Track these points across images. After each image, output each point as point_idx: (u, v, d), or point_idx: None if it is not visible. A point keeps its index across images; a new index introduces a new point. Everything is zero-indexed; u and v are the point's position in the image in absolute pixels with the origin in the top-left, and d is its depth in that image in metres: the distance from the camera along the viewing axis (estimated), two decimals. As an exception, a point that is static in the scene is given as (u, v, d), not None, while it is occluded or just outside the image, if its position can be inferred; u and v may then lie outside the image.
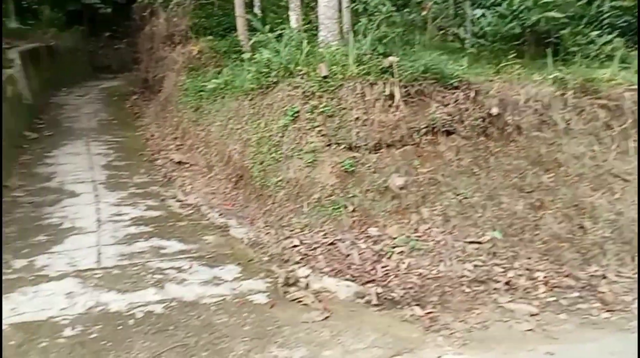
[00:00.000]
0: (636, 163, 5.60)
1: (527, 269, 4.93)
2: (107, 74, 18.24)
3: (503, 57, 6.53)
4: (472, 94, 5.76)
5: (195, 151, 8.16)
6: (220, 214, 6.11)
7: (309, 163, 5.73)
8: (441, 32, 7.71)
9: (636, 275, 4.86)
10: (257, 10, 10.15)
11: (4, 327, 3.75)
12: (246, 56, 7.40)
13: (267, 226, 5.68)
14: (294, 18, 7.30)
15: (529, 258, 5.07)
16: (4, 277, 4.51)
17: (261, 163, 6.16)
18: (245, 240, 5.48)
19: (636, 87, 5.83)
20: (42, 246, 5.17)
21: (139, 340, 3.65)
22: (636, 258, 5.05)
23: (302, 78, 6.08)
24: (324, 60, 6.13)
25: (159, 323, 3.85)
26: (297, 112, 5.93)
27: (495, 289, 4.66)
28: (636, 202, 5.40)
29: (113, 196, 6.70)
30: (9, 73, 9.47)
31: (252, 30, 8.82)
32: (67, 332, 3.71)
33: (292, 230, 5.52)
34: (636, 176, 5.52)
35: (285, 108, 6.07)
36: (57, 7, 17.45)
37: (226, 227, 5.80)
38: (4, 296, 4.19)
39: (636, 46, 6.85)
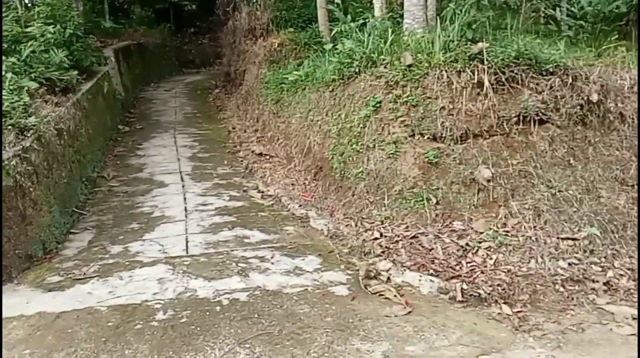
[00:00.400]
0: None
1: (629, 269, 4.54)
2: (191, 68, 19.01)
3: (604, 40, 6.02)
4: (570, 80, 5.35)
5: (275, 143, 8.28)
6: (300, 206, 6.15)
7: (391, 154, 5.61)
8: (534, 14, 7.24)
9: None
10: (338, 0, 10.13)
11: (103, 308, 3.98)
12: (328, 46, 7.38)
13: (346, 218, 5.64)
14: (378, 6, 7.17)
15: (631, 257, 4.66)
16: (103, 262, 4.82)
17: (341, 155, 6.12)
18: (325, 231, 5.48)
19: None
20: (135, 234, 5.46)
21: (225, 326, 3.73)
22: None
23: (385, 67, 5.95)
24: (408, 48, 5.97)
25: (244, 311, 3.92)
26: (380, 102, 5.82)
27: (592, 289, 4.33)
28: None
29: (199, 187, 6.96)
30: (104, 70, 10.10)
31: (333, 21, 8.80)
32: (160, 315, 3.87)
33: (372, 223, 5.43)
34: None
35: (367, 98, 5.98)
36: (147, 6, 18.39)
37: (306, 218, 5.83)
38: (103, 279, 4.47)
39: None
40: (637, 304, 4.13)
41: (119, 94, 11.12)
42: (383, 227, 5.32)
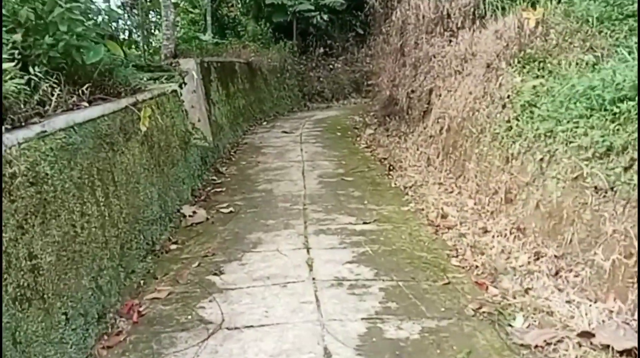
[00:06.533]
0: None
1: None
2: (320, 102, 13.86)
3: None
4: None
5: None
6: None
7: None
8: None
9: None
10: None
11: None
12: None
13: None
14: None
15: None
16: None
17: None
18: None
19: None
20: None
21: None
22: None
23: None
24: None
25: None
26: None
27: None
28: None
29: None
30: (164, 89, 4.86)
31: None
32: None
33: None
34: None
35: None
36: (263, 20, 13.62)
37: None
38: None
39: None
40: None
41: (200, 139, 5.82)
42: None
